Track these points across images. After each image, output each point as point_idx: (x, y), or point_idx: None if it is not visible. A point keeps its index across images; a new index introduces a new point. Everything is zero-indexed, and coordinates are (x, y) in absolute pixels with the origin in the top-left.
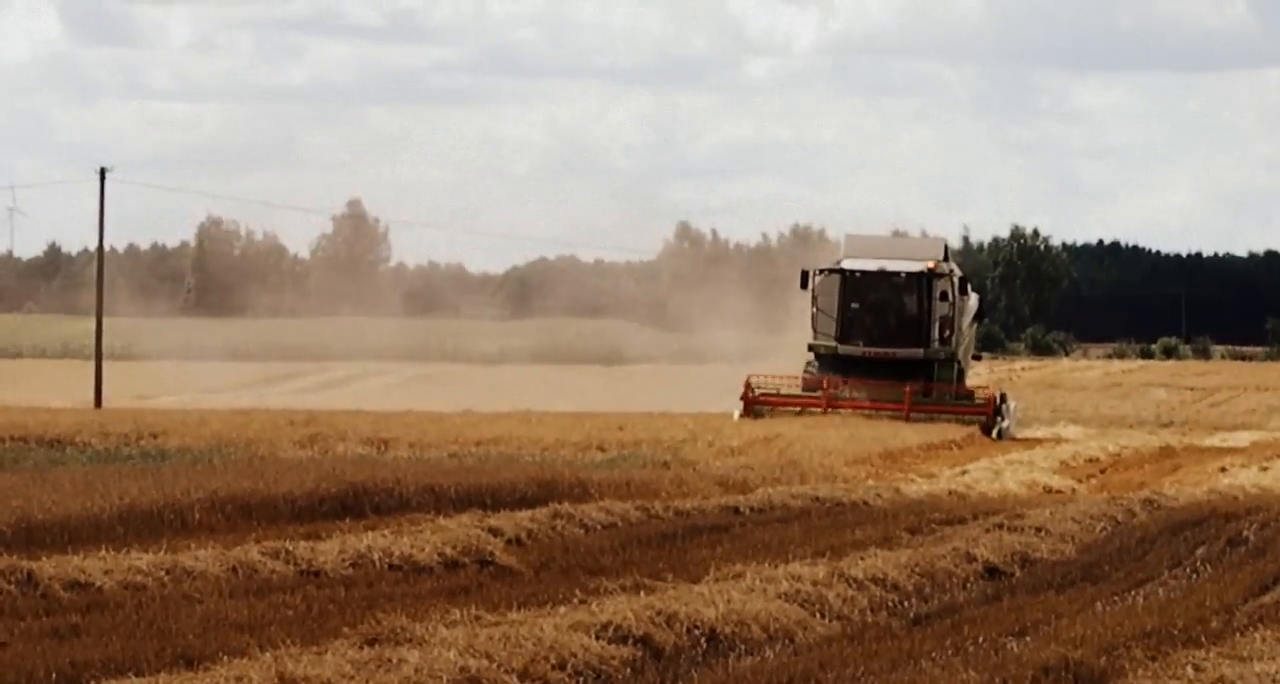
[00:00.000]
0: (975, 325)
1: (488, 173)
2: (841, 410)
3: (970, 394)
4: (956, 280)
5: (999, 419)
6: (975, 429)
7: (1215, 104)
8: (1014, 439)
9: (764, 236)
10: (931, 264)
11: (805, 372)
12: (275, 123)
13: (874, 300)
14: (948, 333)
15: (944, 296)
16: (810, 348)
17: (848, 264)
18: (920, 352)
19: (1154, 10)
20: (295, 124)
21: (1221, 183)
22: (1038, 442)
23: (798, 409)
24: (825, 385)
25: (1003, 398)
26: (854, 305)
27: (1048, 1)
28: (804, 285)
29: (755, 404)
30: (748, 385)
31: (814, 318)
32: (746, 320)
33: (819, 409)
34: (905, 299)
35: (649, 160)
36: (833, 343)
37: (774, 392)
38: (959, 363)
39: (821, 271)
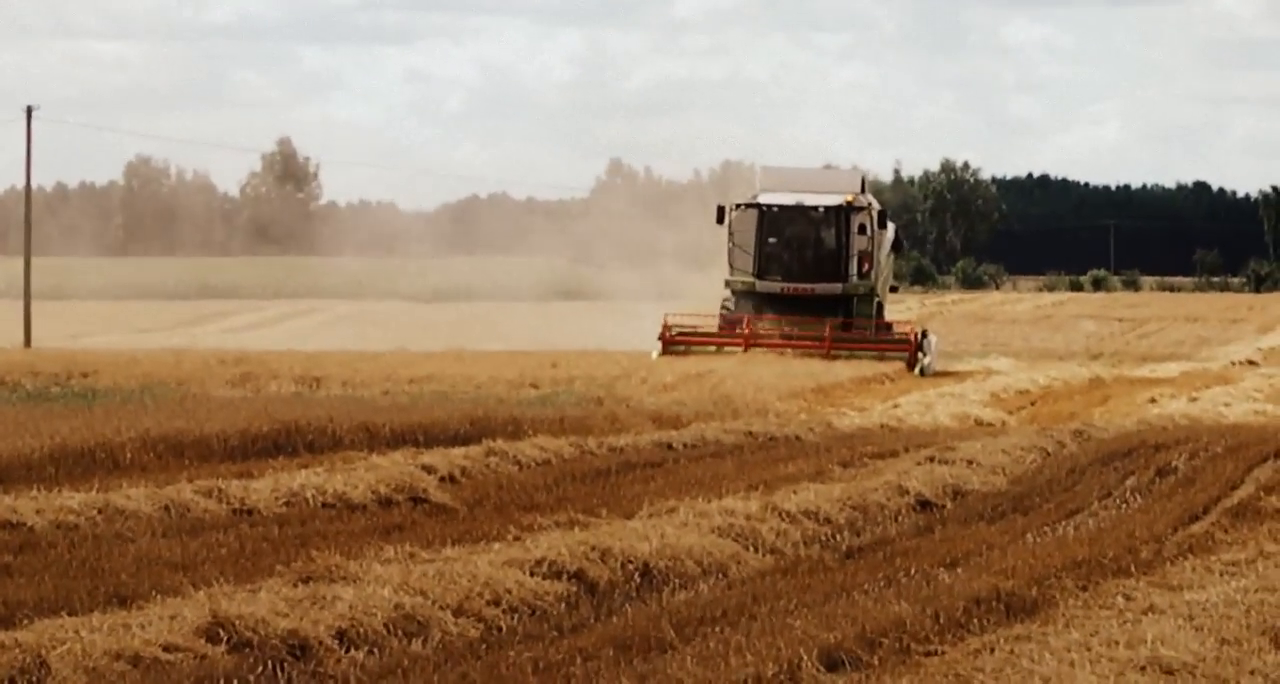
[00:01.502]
0: (892, 257)
1: (418, 110)
2: (761, 348)
3: (889, 326)
4: (875, 213)
5: (921, 355)
6: (901, 365)
7: (1143, 37)
8: (936, 374)
9: (696, 172)
10: (849, 197)
11: (722, 308)
12: (203, 61)
13: (791, 235)
14: (866, 267)
15: (862, 230)
16: (727, 284)
17: (764, 199)
18: (839, 286)
19: None
20: (223, 62)
21: (1150, 116)
22: (969, 374)
23: (714, 348)
24: (746, 323)
25: (924, 333)
26: (771, 240)
27: None
28: (720, 220)
29: (673, 343)
30: (665, 325)
31: (731, 253)
32: (679, 256)
33: (739, 347)
34: (823, 233)
35: (580, 97)
36: (750, 279)
37: (692, 330)
38: (878, 297)
39: (738, 207)
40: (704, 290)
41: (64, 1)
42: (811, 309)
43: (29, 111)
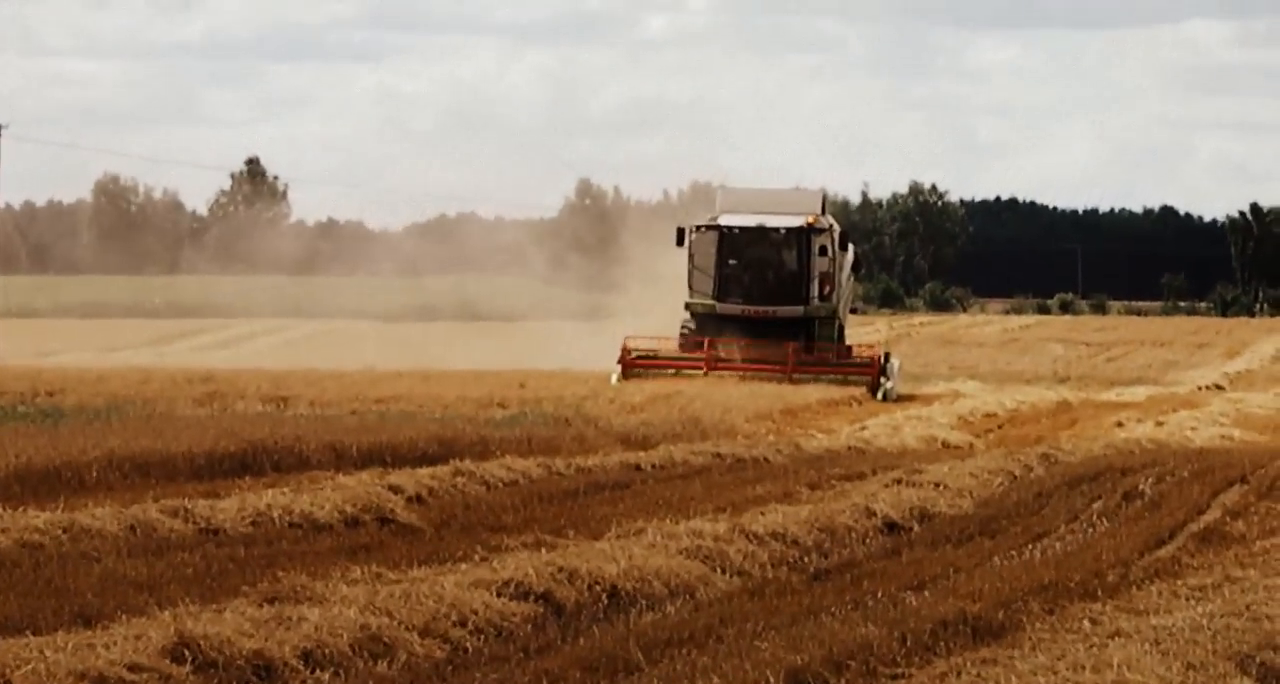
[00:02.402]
0: (853, 279)
1: (386, 129)
2: (716, 373)
3: (849, 350)
4: (836, 235)
5: (883, 379)
6: (862, 390)
7: (1110, 61)
8: (902, 397)
9: (665, 193)
10: (811, 218)
11: (682, 331)
12: (172, 79)
13: (752, 257)
14: (828, 289)
15: (823, 251)
16: (687, 307)
17: (725, 220)
18: (800, 309)
19: None
20: (192, 81)
21: (1117, 139)
22: (936, 397)
23: (671, 371)
24: (706, 346)
25: (886, 357)
26: (731, 262)
27: None
28: (680, 242)
29: (633, 367)
30: (625, 348)
31: (691, 275)
32: (648, 277)
33: (699, 371)
34: (784, 255)
35: (549, 116)
36: (710, 301)
37: (652, 354)
38: (839, 319)
39: (698, 228)
40: (676, 312)
41: (33, 19)
42: (772, 332)
43: None
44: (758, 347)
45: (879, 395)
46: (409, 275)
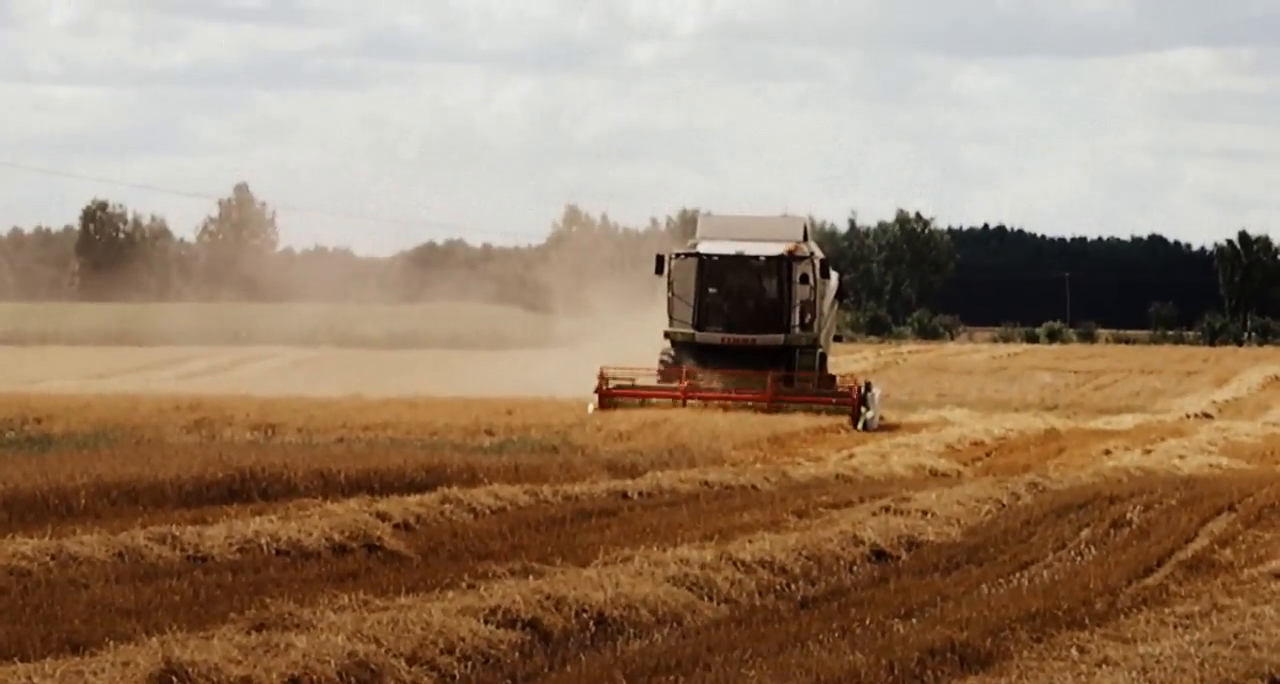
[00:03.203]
0: (837, 307)
1: (374, 157)
2: (698, 402)
3: (832, 379)
4: (817, 262)
5: (864, 410)
6: (843, 419)
7: (1096, 89)
8: (890, 426)
9: (652, 221)
10: (791, 246)
11: (661, 360)
12: (159, 106)
13: (732, 285)
14: (809, 317)
15: (804, 280)
16: (667, 335)
17: (704, 247)
18: (781, 338)
19: None
20: (179, 108)
21: (1104, 167)
22: (924, 425)
23: (653, 400)
24: (683, 376)
25: (867, 387)
26: (711, 290)
27: None
28: (659, 270)
29: (610, 396)
30: (601, 377)
31: (670, 303)
32: (636, 305)
33: (676, 400)
34: (765, 283)
35: (536, 144)
36: (690, 330)
37: (629, 382)
38: (821, 348)
39: (677, 256)
40: (657, 340)
41: (19, 46)
42: (753, 361)
43: None
44: (737, 376)
45: (859, 425)
46: (397, 302)
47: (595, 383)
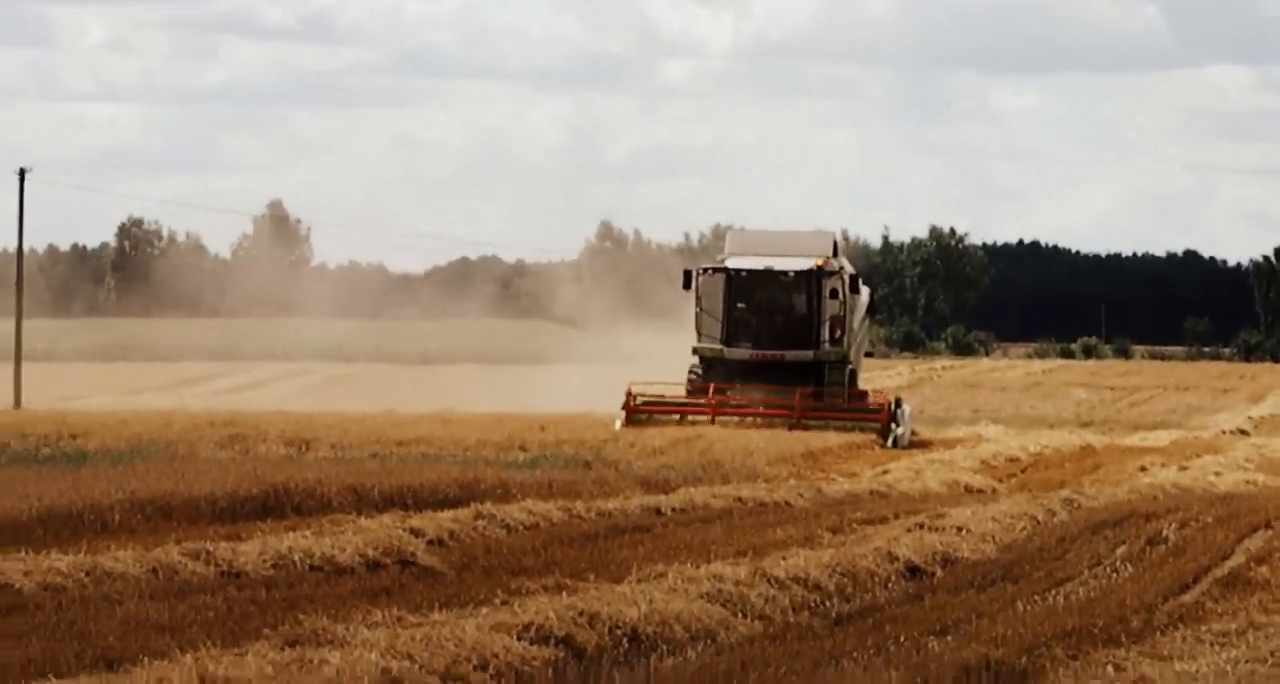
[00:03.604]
0: (868, 322)
1: (408, 174)
2: (728, 418)
3: (863, 395)
4: (847, 277)
5: (894, 426)
6: (875, 436)
7: (1130, 106)
8: (923, 443)
9: (685, 236)
10: (820, 261)
11: (690, 376)
12: (194, 124)
13: (761, 300)
14: (839, 333)
15: (834, 295)
16: (695, 351)
17: (732, 263)
18: (810, 353)
19: (1067, 14)
20: (214, 125)
21: (1139, 184)
22: (958, 441)
23: (679, 418)
24: (711, 392)
25: (898, 403)
26: (740, 306)
27: (961, 6)
28: (687, 286)
29: (637, 412)
30: (629, 394)
31: (698, 319)
32: (668, 321)
33: (704, 417)
34: (794, 299)
35: (569, 162)
36: (719, 346)
37: (657, 399)
38: (851, 364)
39: (705, 271)
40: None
41: (56, 64)
42: (782, 377)
43: (21, 173)
44: (766, 392)
45: (889, 442)
46: (431, 318)
47: (623, 399)
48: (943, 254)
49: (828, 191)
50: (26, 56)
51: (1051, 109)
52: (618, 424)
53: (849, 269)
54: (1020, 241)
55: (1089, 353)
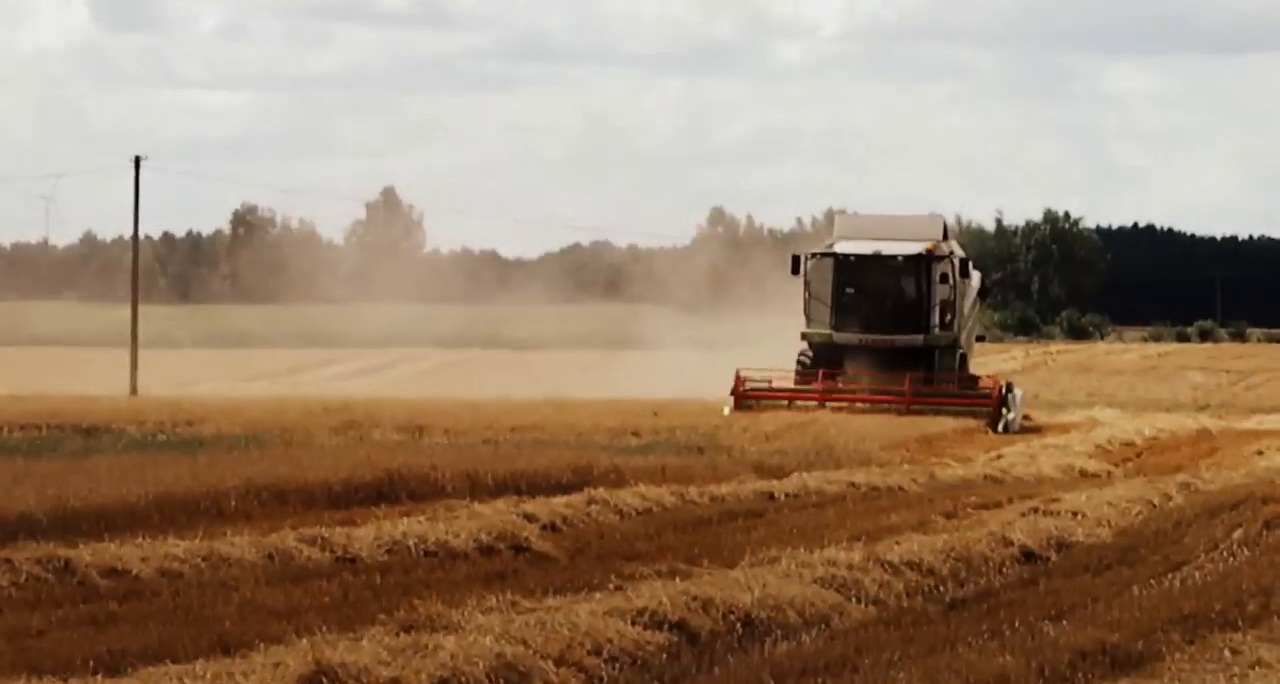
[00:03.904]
0: (978, 306)
1: (520, 159)
2: (837, 403)
3: (975, 380)
4: (957, 262)
5: (1005, 411)
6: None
7: (1247, 86)
8: (1028, 428)
9: (798, 221)
10: (930, 245)
11: (799, 361)
12: (307, 110)
13: (870, 285)
14: (949, 317)
15: (944, 279)
16: (804, 336)
17: (841, 247)
18: (920, 338)
19: None
20: (327, 112)
21: (1257, 165)
22: (1073, 425)
23: (787, 403)
24: (820, 378)
25: (1008, 388)
26: (849, 291)
27: None
28: (795, 271)
29: (746, 398)
30: (738, 379)
31: (807, 304)
32: (780, 305)
33: (814, 404)
34: (903, 283)
35: (681, 146)
36: (827, 331)
37: (766, 385)
38: (961, 348)
39: (813, 256)
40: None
41: (168, 52)
42: (891, 362)
43: (137, 161)
44: (876, 377)
45: (999, 427)
46: (543, 304)
47: (732, 384)
48: (1057, 238)
49: (942, 174)
50: (141, 43)
51: (1167, 90)
52: (726, 410)
53: (959, 253)
54: (1135, 224)
55: (1205, 336)
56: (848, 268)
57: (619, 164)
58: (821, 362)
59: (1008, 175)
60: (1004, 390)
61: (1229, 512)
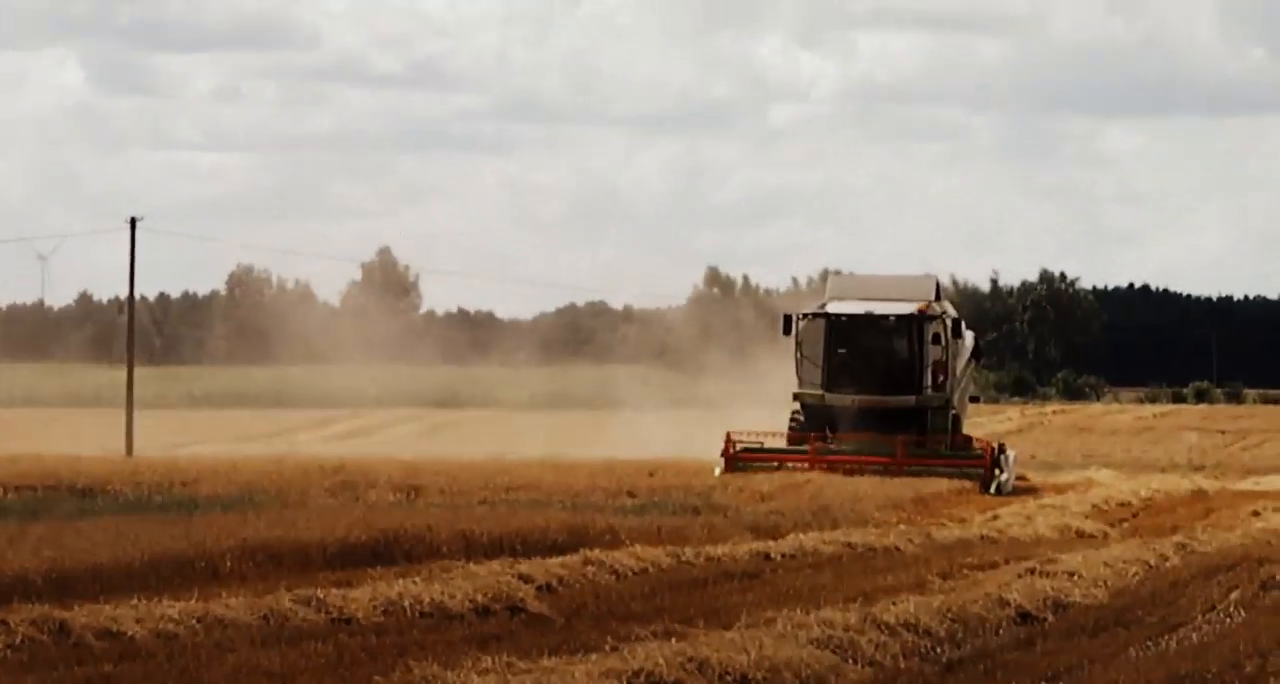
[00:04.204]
0: (972, 366)
1: (515, 220)
2: (825, 466)
3: (968, 441)
4: (949, 322)
5: (997, 472)
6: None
7: (1241, 147)
8: (1025, 488)
9: (794, 281)
10: (922, 305)
11: (791, 422)
12: (302, 171)
13: (862, 346)
14: (941, 378)
15: (936, 339)
16: (796, 397)
17: (833, 308)
18: (912, 399)
19: (1176, 56)
20: (322, 172)
21: (1250, 225)
22: (1069, 486)
23: (777, 465)
24: (811, 440)
25: (1001, 449)
26: (841, 351)
27: (1070, 48)
28: (787, 331)
29: (737, 460)
30: (728, 440)
31: (799, 365)
32: (776, 365)
33: (804, 465)
34: (895, 344)
35: (676, 207)
36: (819, 391)
37: (757, 446)
38: (954, 409)
39: (805, 316)
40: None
41: (164, 114)
42: (884, 422)
43: (133, 222)
44: (868, 438)
45: (992, 489)
46: (539, 365)
47: (722, 446)
48: (1053, 298)
49: (937, 235)
50: (135, 105)
51: (1161, 151)
52: (717, 471)
53: (951, 313)
54: (1131, 285)
55: (1201, 397)
56: (840, 328)
57: (615, 224)
58: (814, 422)
59: (1003, 236)
60: (996, 451)
61: (1225, 573)
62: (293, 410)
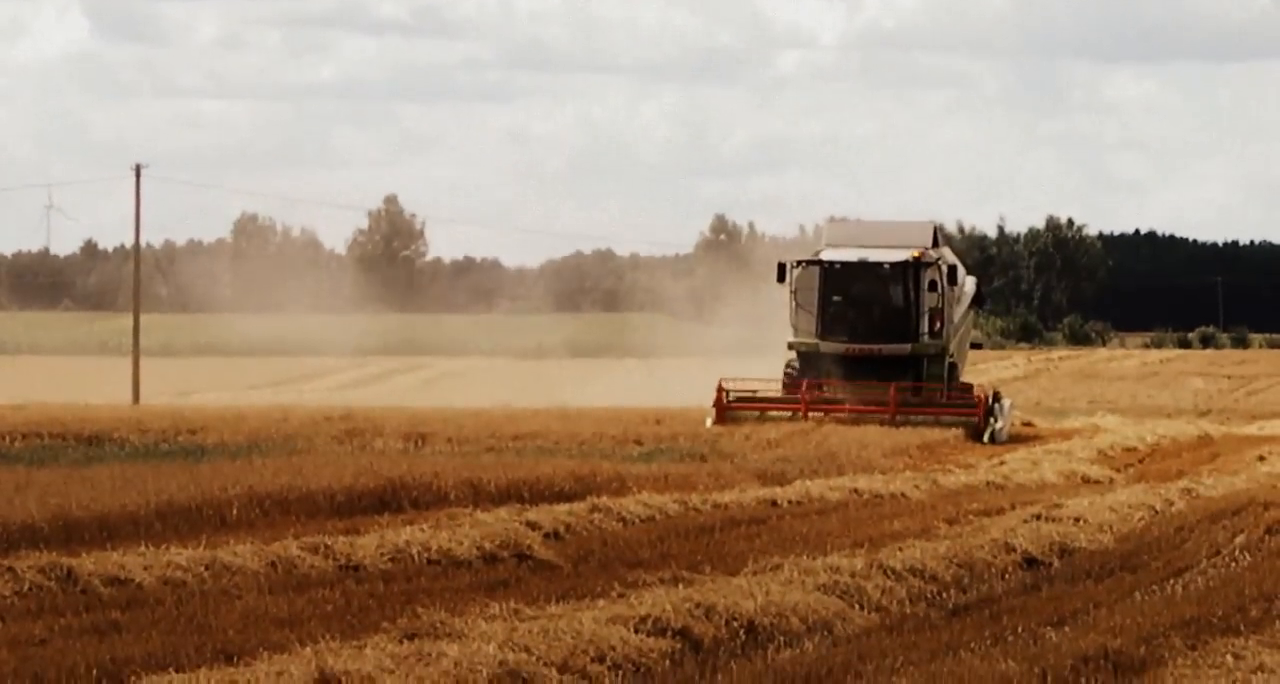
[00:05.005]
0: (972, 313)
1: (521, 169)
2: (819, 414)
3: (967, 388)
4: (946, 268)
5: (991, 420)
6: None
7: (1246, 93)
8: (1023, 436)
9: (801, 228)
10: (917, 252)
11: (786, 371)
12: (307, 120)
13: (856, 293)
14: (938, 325)
15: (932, 286)
16: (790, 346)
17: (827, 255)
18: (908, 347)
19: (1181, 2)
20: (327, 121)
21: (1257, 171)
22: (1075, 431)
23: (771, 413)
24: (803, 388)
25: (996, 397)
26: (835, 299)
27: None
28: (781, 279)
29: (728, 409)
30: (720, 389)
31: (793, 313)
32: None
33: (797, 413)
34: (890, 291)
35: (681, 155)
36: (814, 340)
37: (750, 395)
38: (951, 357)
39: (799, 264)
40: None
41: (167, 61)
42: (880, 371)
43: (138, 170)
44: (862, 387)
45: (985, 438)
46: (545, 313)
47: (714, 395)
48: (1059, 244)
49: (943, 183)
50: (139, 54)
51: (1167, 98)
52: (708, 422)
53: (949, 260)
54: (1137, 231)
55: (1206, 342)
56: (834, 276)
57: (620, 173)
58: (809, 371)
59: (1008, 184)
60: (991, 400)
61: (1231, 517)
62: (300, 359)
